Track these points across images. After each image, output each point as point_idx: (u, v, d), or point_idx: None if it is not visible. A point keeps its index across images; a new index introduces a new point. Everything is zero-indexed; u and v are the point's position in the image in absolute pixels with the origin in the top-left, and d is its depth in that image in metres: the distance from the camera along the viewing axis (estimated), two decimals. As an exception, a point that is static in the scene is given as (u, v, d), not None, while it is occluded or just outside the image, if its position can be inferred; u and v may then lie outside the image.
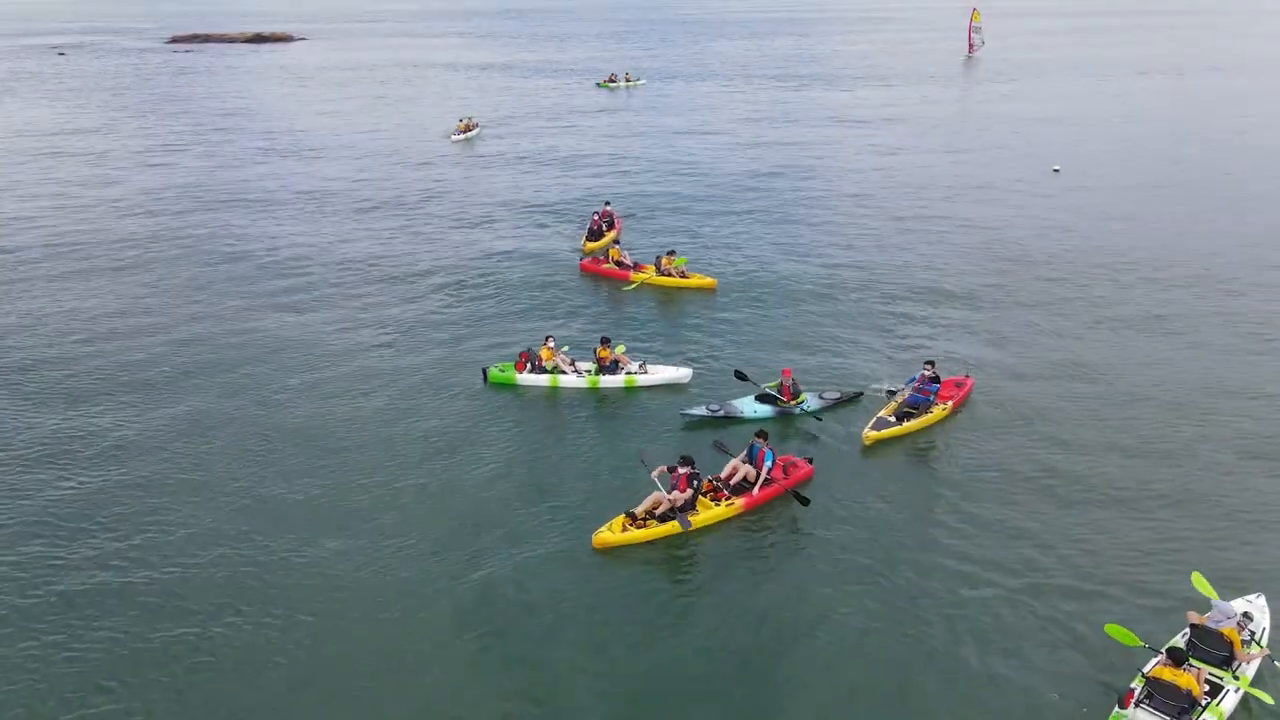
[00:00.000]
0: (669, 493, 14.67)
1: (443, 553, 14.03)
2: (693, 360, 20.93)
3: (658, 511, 14.57)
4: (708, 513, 14.69)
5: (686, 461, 14.96)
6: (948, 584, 13.49)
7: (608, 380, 19.37)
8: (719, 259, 28.09)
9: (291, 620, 12.55)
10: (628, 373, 19.45)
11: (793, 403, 18.25)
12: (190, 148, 46.01)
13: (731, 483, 15.34)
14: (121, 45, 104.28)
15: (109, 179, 39.18)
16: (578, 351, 20.78)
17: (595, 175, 40.00)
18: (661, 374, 19.60)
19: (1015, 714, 11.06)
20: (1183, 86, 63.81)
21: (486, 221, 32.70)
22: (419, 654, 11.97)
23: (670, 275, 25.85)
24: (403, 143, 46.88)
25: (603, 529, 14.20)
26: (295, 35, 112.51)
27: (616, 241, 28.24)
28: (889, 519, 14.99)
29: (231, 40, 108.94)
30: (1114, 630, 11.45)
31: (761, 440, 15.53)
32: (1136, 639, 11.33)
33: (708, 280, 25.81)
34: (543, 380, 19.46)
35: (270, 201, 35.43)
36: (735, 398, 18.85)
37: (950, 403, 17.73)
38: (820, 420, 17.86)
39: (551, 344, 19.86)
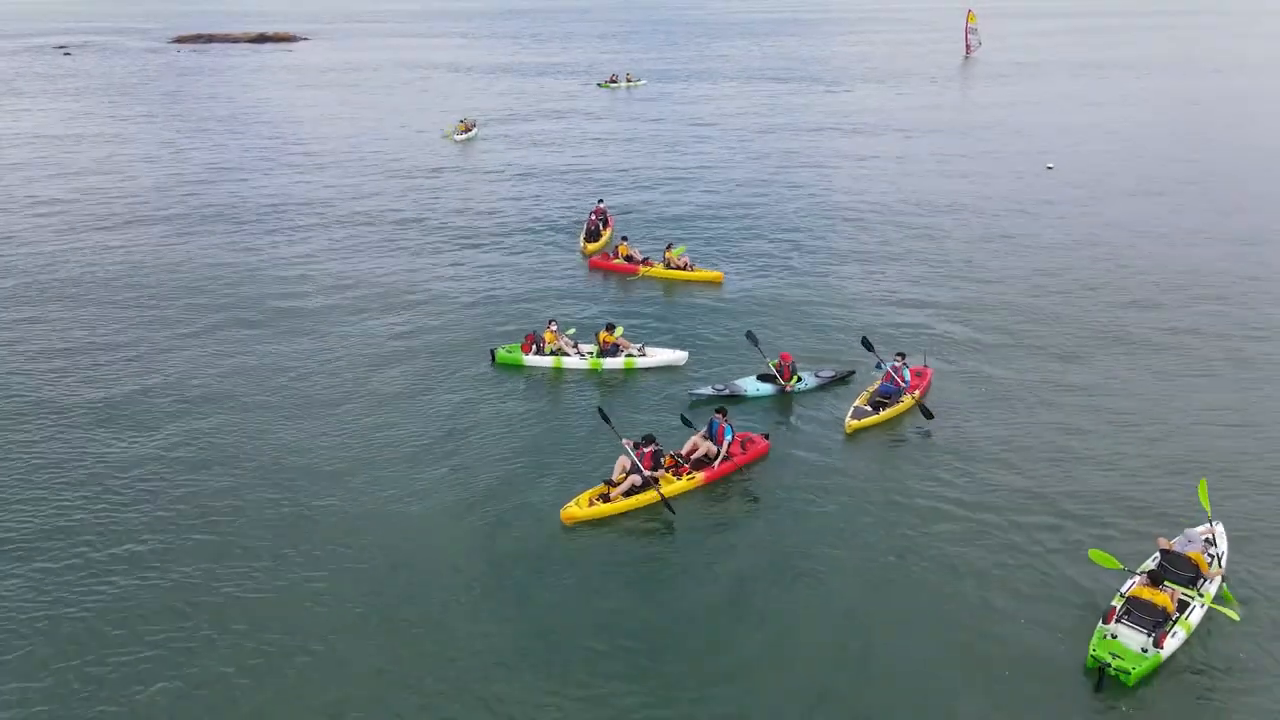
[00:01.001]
0: (633, 469, 15.31)
1: (435, 521, 14.79)
2: (696, 344, 21.71)
3: (622, 486, 15.20)
4: (670, 486, 15.39)
5: (649, 440, 15.70)
6: (931, 537, 14.51)
7: (608, 362, 20.14)
8: (723, 254, 28.80)
9: (278, 586, 13.30)
10: (627, 355, 20.22)
11: (790, 382, 19.06)
12: (198, 148, 46.75)
13: (692, 458, 16.03)
14: (126, 45, 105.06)
15: (120, 178, 39.94)
16: (580, 335, 21.58)
17: (596, 173, 40.65)
18: (660, 356, 20.35)
19: (1007, 637, 12.16)
20: (1181, 87, 64.40)
21: (493, 217, 33.35)
22: (409, 621, 12.62)
23: (678, 268, 26.54)
24: (406, 142, 47.56)
25: (570, 504, 14.83)
26: (298, 35, 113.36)
27: (625, 238, 28.86)
28: (869, 491, 15.75)
29: (235, 40, 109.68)
30: (1096, 555, 12.82)
31: (721, 417, 16.25)
32: (1117, 562, 12.71)
33: (714, 274, 26.51)
34: (547, 362, 20.22)
35: (279, 199, 36.18)
36: (738, 377, 19.76)
37: (917, 391, 18.56)
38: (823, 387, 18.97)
39: (554, 327, 20.59)
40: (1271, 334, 22.38)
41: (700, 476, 15.67)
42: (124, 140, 48.53)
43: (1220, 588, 12.60)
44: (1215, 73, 71.68)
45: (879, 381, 18.66)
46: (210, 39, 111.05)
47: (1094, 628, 11.91)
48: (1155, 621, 11.51)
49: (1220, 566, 12.79)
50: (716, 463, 15.90)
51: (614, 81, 69.54)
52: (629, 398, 19.18)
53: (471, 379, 19.98)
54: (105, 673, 11.84)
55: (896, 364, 18.55)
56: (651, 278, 26.42)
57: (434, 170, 41.07)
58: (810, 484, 15.95)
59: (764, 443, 16.69)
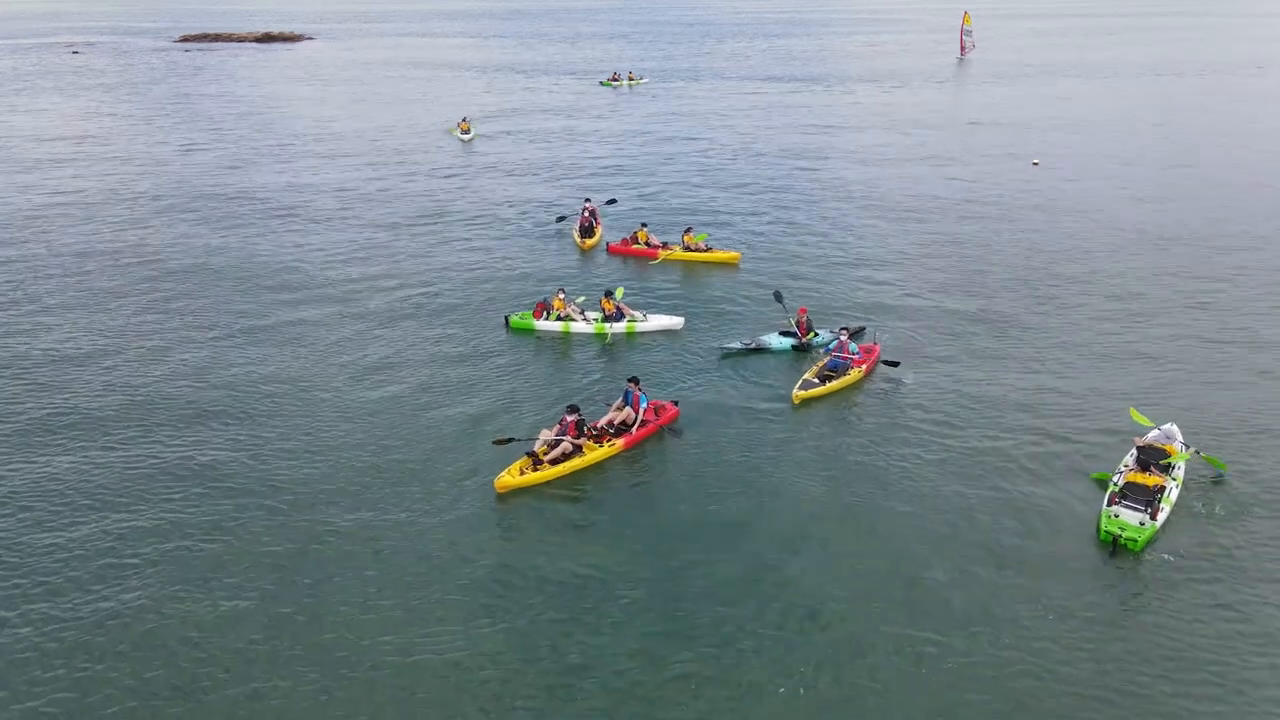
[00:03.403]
0: (560, 436, 16.65)
1: (428, 477, 16.22)
2: (717, 314, 23.81)
3: (550, 456, 16.45)
4: (594, 453, 16.69)
5: (573, 410, 17.13)
6: (910, 474, 16.09)
7: (612, 326, 21.84)
8: (733, 239, 30.49)
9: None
10: (630, 319, 21.89)
11: (808, 337, 21.16)
12: (208, 144, 48.40)
13: (613, 426, 17.50)
14: (133, 45, 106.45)
15: (128, 177, 41.60)
16: (586, 303, 23.44)
17: (597, 165, 42.27)
18: (658, 322, 22.12)
19: (1024, 530, 14.58)
20: (1177, 88, 65.95)
21: (501, 208, 35.01)
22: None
23: (696, 250, 28.15)
24: (413, 138, 49.16)
25: (503, 473, 15.93)
26: (304, 35, 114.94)
27: (644, 224, 30.37)
28: (824, 447, 17.37)
29: (241, 40, 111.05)
30: (1097, 476, 15.92)
31: (634, 386, 17.73)
32: (1108, 474, 15.88)
33: (731, 254, 28.10)
34: (556, 327, 21.94)
35: (293, 191, 37.95)
36: (763, 333, 22.03)
37: (864, 366, 20.12)
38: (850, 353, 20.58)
39: (563, 295, 22.28)
40: (1225, 288, 24.44)
41: (620, 442, 17.10)
42: (134, 137, 50.03)
43: (1201, 456, 16.02)
44: (1214, 74, 73.27)
45: (828, 356, 20.17)
46: (216, 38, 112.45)
47: (1095, 514, 14.93)
48: (1148, 500, 14.55)
49: (1187, 452, 16.04)
50: (634, 428, 17.35)
51: (616, 80, 71.06)
52: (631, 357, 20.99)
53: (487, 341, 21.73)
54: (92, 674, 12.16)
55: (843, 338, 20.16)
56: (671, 261, 28.16)
57: (442, 165, 42.67)
58: (773, 439, 17.52)
59: (674, 409, 18.26)
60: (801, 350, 21.01)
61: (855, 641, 12.33)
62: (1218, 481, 15.73)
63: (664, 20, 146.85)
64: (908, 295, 24.96)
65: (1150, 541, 14.04)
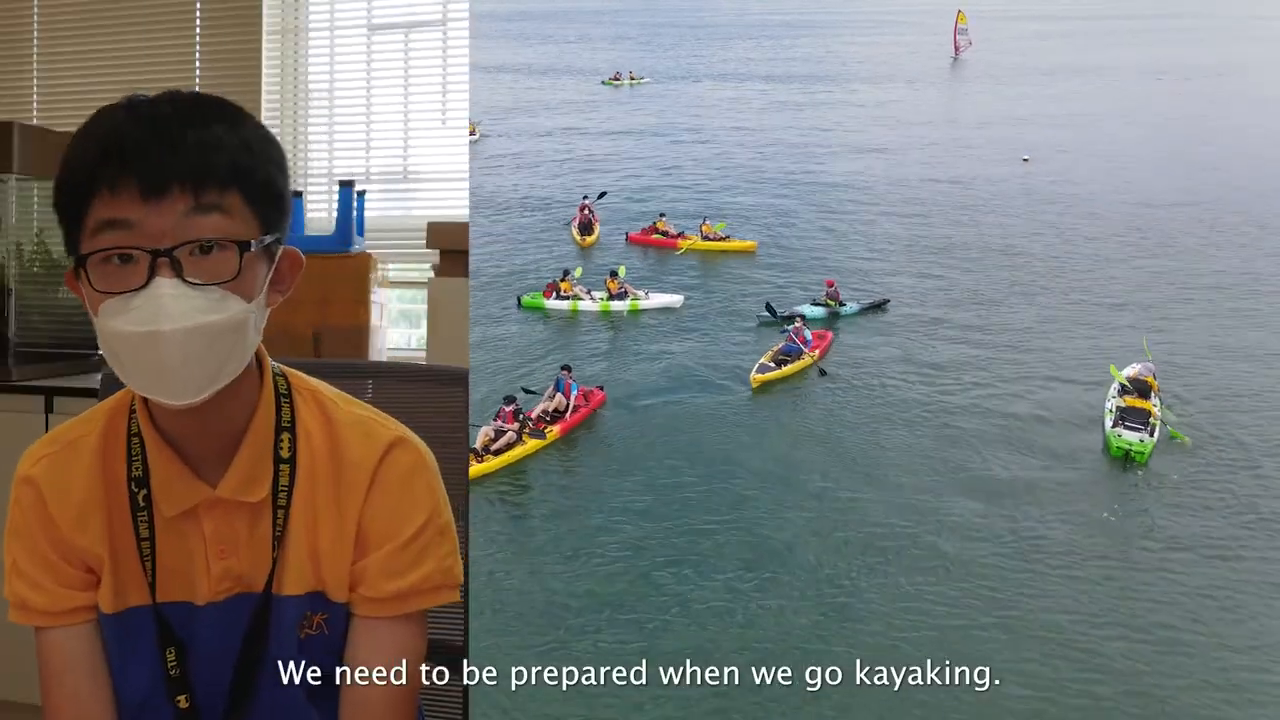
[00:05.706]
0: (500, 427, 18.24)
1: None
2: (738, 297, 24.89)
3: (495, 446, 17.94)
4: (533, 441, 18.22)
5: (510, 400, 18.44)
6: (896, 432, 17.30)
7: (616, 305, 23.62)
8: (744, 232, 32.01)
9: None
10: (633, 298, 23.71)
11: (836, 305, 22.43)
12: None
13: (548, 414, 18.86)
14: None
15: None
16: (594, 285, 25.07)
17: (597, 162, 43.75)
18: (659, 300, 23.86)
19: (1028, 457, 15.68)
20: (1179, 90, 66.84)
21: (506, 205, 36.60)
22: None
23: (715, 239, 29.59)
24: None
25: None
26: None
27: (662, 214, 31.69)
28: (796, 420, 18.76)
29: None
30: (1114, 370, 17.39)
31: (566, 374, 19.12)
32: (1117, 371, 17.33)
33: (749, 244, 29.47)
34: (564, 305, 23.70)
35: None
36: (797, 305, 22.98)
37: (817, 351, 21.44)
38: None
39: (568, 276, 24.15)
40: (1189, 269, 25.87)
41: (556, 429, 18.51)
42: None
43: (1167, 426, 17.35)
44: (1218, 76, 73.92)
45: (782, 342, 21.57)
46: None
47: (1097, 436, 15.91)
48: (1143, 421, 16.06)
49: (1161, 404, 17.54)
50: (568, 414, 18.74)
51: (617, 79, 72.21)
52: (635, 333, 22.57)
53: (499, 319, 23.38)
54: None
55: (797, 324, 21.54)
56: (693, 251, 29.53)
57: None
58: (730, 417, 19.01)
59: (601, 394, 19.61)
60: (834, 318, 22.45)
61: (853, 565, 13.51)
62: (1182, 417, 17.49)
63: (670, 22, 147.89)
64: (904, 284, 26.39)
65: (1151, 454, 16.14)
